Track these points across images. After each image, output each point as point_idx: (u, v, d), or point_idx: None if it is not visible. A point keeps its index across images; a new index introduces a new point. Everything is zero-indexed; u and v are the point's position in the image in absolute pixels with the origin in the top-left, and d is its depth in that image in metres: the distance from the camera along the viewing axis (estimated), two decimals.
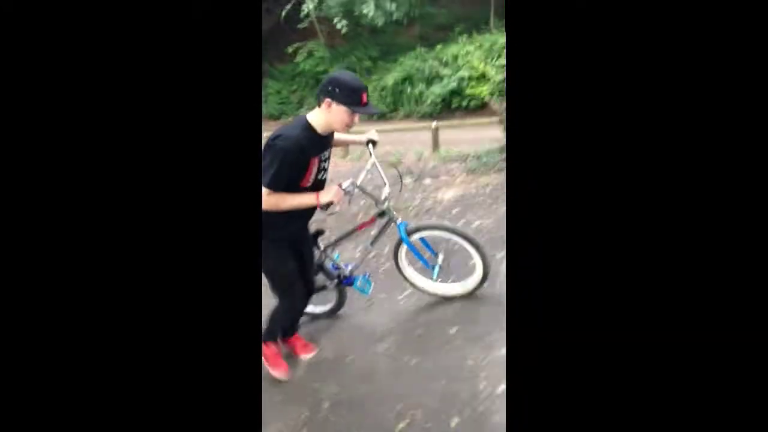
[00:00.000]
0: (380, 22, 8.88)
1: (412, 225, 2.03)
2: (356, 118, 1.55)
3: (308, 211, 1.68)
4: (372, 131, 1.97)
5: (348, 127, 1.57)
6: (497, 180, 3.65)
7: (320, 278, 2.04)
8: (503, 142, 4.15)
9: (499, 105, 4.32)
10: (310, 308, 2.14)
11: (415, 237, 2.03)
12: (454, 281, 2.23)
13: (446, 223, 2.35)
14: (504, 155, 4.02)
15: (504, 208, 2.99)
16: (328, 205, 1.61)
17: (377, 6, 8.73)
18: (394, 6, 8.95)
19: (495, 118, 4.21)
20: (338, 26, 7.96)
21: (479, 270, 2.10)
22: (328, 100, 1.51)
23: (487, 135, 4.55)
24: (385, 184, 1.93)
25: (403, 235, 1.98)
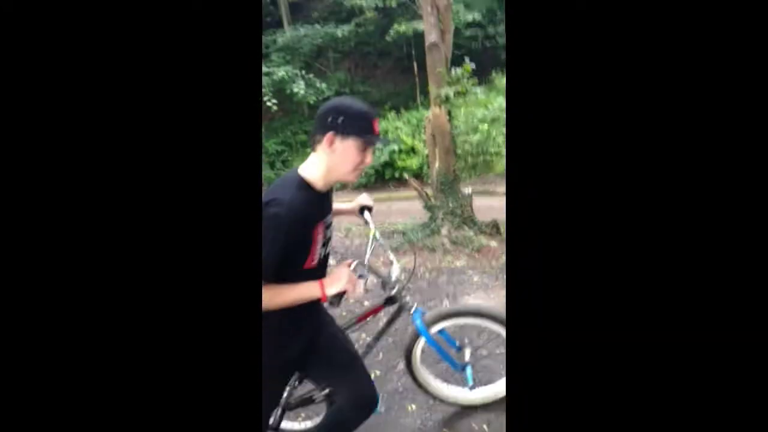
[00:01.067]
0: (312, 100, 9.15)
1: (432, 313, 1.55)
2: (369, 156, 1.11)
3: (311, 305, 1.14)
4: (363, 195, 1.50)
5: (359, 171, 1.12)
6: (420, 259, 3.51)
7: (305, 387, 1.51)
8: (426, 218, 4.11)
9: (417, 183, 4.32)
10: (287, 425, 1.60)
11: (435, 329, 1.55)
12: (487, 383, 1.76)
13: (475, 304, 1.92)
14: (428, 230, 3.94)
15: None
16: (338, 297, 1.12)
17: (308, 84, 9.03)
18: (324, 85, 9.31)
19: (427, 189, 4.17)
20: (268, 104, 8.10)
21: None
22: (330, 135, 1.06)
23: (416, 207, 4.51)
24: (392, 262, 1.48)
25: (421, 326, 1.47)
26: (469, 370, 1.61)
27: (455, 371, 1.65)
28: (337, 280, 1.10)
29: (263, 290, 0.97)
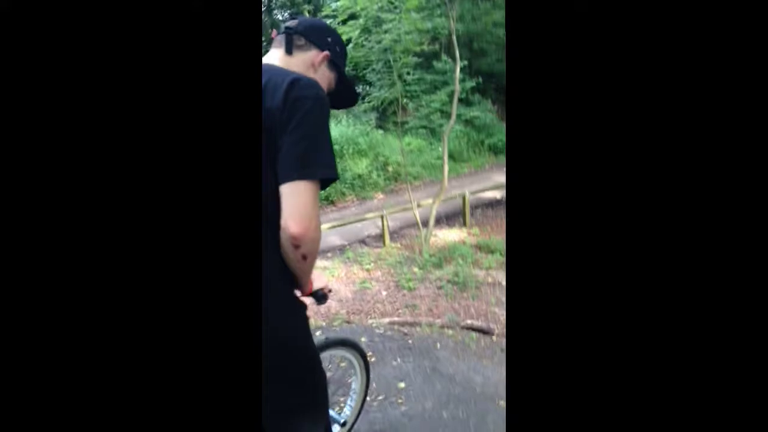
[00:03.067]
0: None
1: None
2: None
3: None
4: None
5: None
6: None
7: None
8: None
9: None
10: None
11: None
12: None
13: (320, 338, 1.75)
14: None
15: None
16: (324, 296, 1.11)
17: None
18: None
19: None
20: None
21: (361, 375, 1.70)
22: (326, 54, 0.93)
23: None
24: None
25: None
26: (331, 411, 1.57)
27: None
28: (319, 277, 1.07)
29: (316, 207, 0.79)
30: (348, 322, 3.31)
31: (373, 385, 2.30)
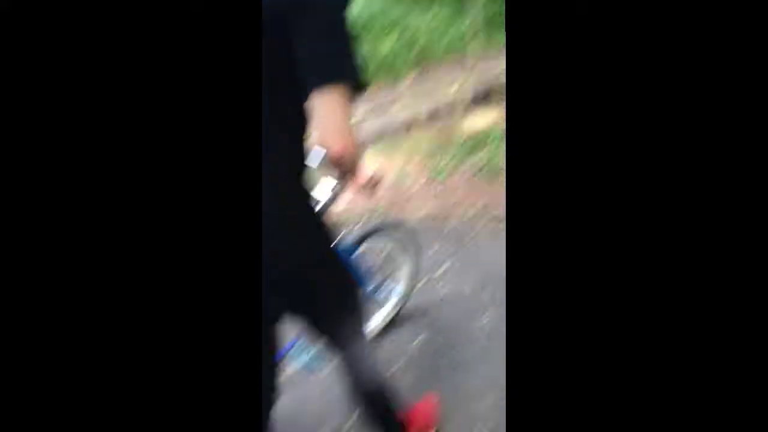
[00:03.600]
0: None
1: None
2: None
3: None
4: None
5: None
6: None
7: None
8: None
9: None
10: None
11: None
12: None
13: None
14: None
15: None
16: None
17: None
18: None
19: None
20: None
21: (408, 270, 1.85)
22: None
23: None
24: None
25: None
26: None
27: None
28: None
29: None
30: (383, 215, 3.40)
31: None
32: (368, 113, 5.46)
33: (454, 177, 4.16)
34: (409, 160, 4.82)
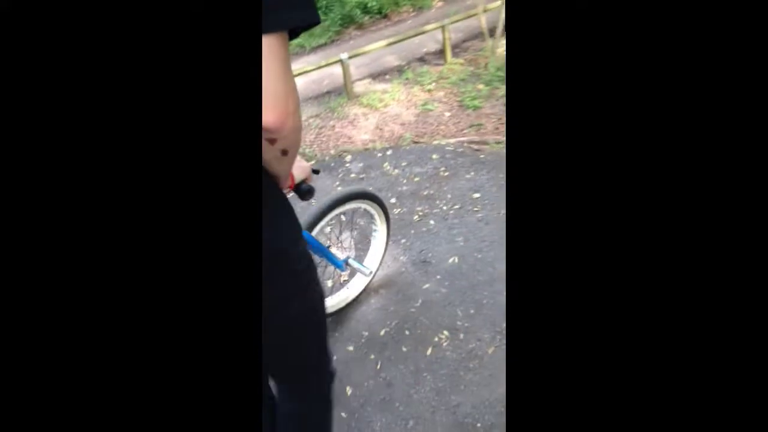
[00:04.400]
0: None
1: (308, 216, 1.48)
2: None
3: None
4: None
5: None
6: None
7: None
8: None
9: None
10: None
11: (316, 232, 1.52)
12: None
13: (345, 192, 1.63)
14: None
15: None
16: (309, 192, 1.03)
17: None
18: None
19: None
20: None
21: (381, 223, 1.76)
22: None
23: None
24: None
25: (306, 235, 1.39)
26: (353, 261, 1.63)
27: (339, 269, 1.60)
28: (300, 166, 0.96)
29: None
30: (416, 142, 3.33)
31: (448, 195, 2.42)
32: (394, 38, 5.21)
33: (486, 104, 4.00)
34: (439, 88, 4.65)
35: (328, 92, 5.24)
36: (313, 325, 0.86)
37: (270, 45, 0.50)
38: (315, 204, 1.54)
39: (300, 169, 0.99)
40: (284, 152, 0.65)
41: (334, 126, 4.22)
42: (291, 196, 1.10)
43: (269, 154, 0.64)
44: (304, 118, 4.47)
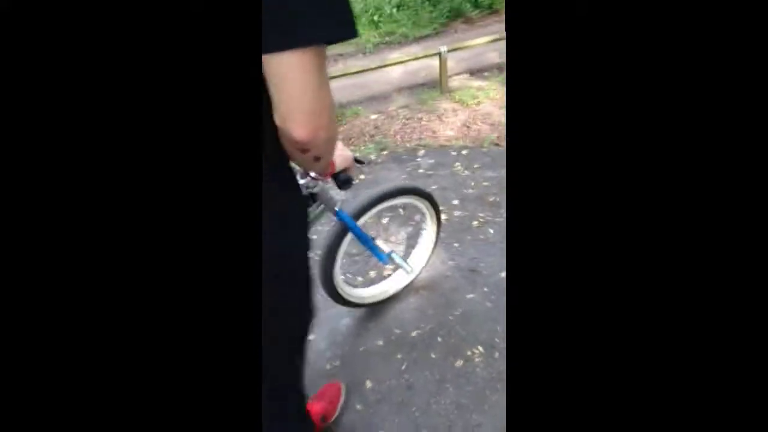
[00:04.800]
0: None
1: (354, 205, 1.44)
2: None
3: None
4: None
5: None
6: None
7: None
8: None
9: None
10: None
11: (362, 221, 1.47)
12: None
13: (393, 185, 1.56)
14: None
15: None
16: (348, 180, 1.05)
17: None
18: None
19: None
20: None
21: (431, 223, 1.73)
22: None
23: None
24: None
25: (350, 221, 1.37)
26: (396, 256, 1.58)
27: (382, 262, 1.57)
28: (342, 155, 0.94)
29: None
30: (496, 145, 3.19)
31: None
32: (499, 35, 4.98)
33: None
34: None
35: (423, 84, 5.21)
36: (285, 346, 0.84)
37: (305, 59, 0.50)
38: (365, 193, 1.55)
39: (341, 158, 0.99)
40: (317, 158, 0.64)
41: (421, 119, 4.20)
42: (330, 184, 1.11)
43: (301, 159, 0.64)
44: (394, 108, 4.51)
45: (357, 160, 1.18)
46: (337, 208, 1.34)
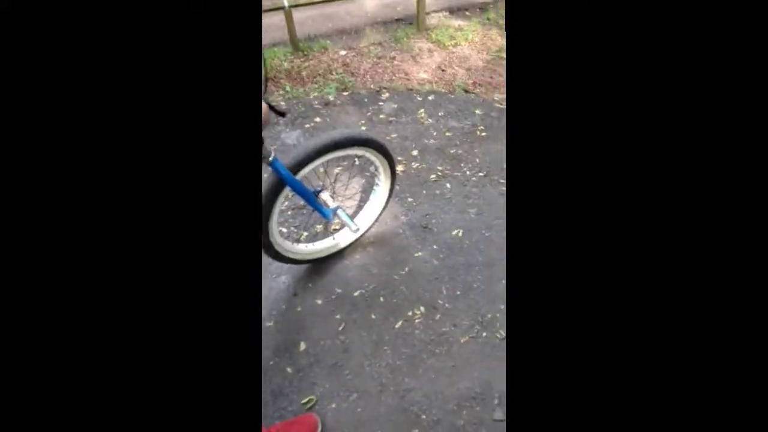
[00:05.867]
0: None
1: (293, 157, 1.30)
2: None
3: None
4: None
5: None
6: None
7: None
8: None
9: None
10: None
11: (301, 175, 1.35)
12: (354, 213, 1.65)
13: (338, 134, 1.38)
14: None
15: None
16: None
17: None
18: None
19: None
20: None
21: (384, 178, 1.61)
22: None
23: None
24: None
25: (287, 174, 1.26)
26: (342, 213, 1.47)
27: (326, 219, 1.47)
28: None
29: None
30: (466, 92, 2.99)
31: (476, 159, 2.16)
32: None
33: None
34: (502, 32, 4.12)
35: (399, 20, 4.83)
36: None
37: None
38: (306, 142, 1.39)
39: None
40: None
41: (394, 58, 3.91)
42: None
43: None
44: (365, 44, 4.18)
45: (276, 111, 1.02)
46: (271, 158, 1.19)
